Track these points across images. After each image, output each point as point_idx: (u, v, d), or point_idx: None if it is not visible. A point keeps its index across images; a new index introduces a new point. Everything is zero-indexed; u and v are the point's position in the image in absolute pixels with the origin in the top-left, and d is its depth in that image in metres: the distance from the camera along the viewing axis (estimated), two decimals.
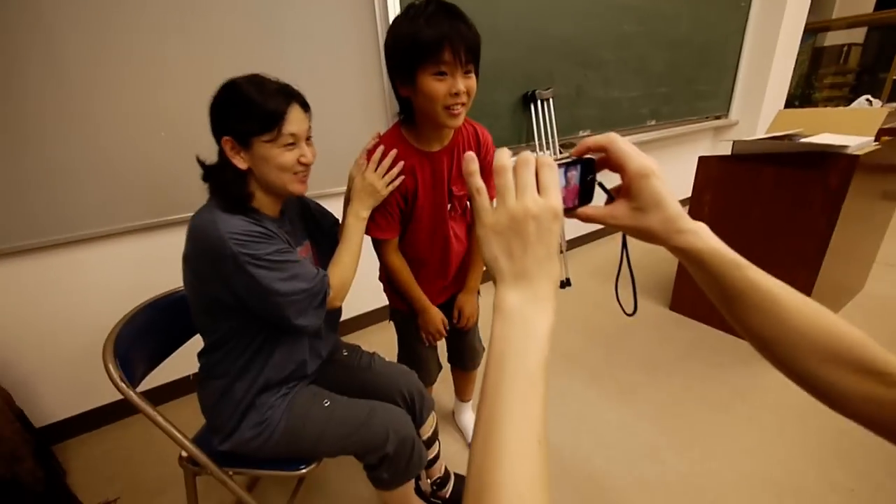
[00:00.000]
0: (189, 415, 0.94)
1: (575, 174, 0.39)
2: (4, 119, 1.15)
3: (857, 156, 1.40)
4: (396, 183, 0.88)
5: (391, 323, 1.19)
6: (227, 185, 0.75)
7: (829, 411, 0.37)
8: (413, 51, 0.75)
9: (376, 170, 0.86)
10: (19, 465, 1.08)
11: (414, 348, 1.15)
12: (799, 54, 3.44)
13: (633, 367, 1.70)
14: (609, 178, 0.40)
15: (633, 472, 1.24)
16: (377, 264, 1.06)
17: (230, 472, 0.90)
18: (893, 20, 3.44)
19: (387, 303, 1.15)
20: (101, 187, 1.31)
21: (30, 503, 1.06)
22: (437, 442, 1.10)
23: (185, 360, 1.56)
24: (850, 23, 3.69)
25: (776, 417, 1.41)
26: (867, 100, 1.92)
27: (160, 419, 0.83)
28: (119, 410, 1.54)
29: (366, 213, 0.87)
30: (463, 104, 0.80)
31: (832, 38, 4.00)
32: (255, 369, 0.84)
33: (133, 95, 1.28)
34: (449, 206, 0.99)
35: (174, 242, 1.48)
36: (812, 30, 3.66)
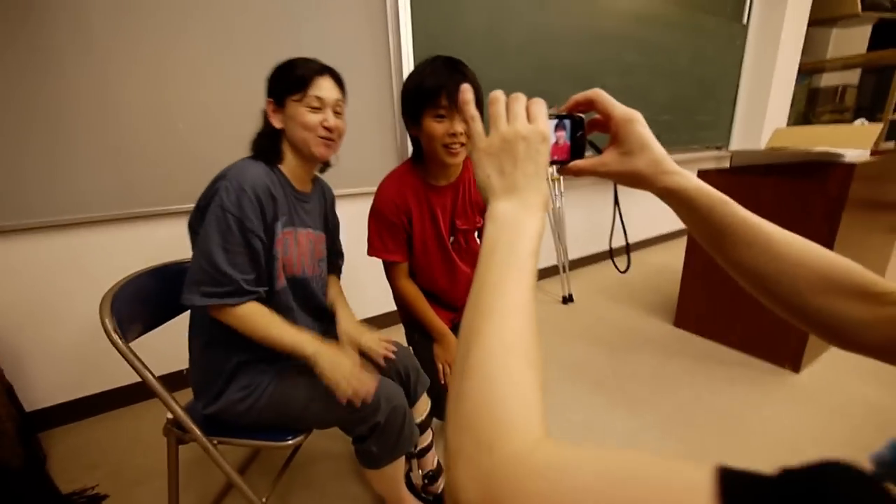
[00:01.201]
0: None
1: (564, 133, 0.43)
2: (35, 98, 1.22)
3: (855, 164, 1.42)
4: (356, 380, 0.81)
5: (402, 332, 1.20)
6: (260, 139, 0.83)
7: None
8: (418, 96, 0.89)
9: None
10: (1, 437, 1.05)
11: (431, 377, 1.06)
12: (795, 93, 3.57)
13: (639, 378, 1.64)
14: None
15: None
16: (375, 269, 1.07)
17: (215, 441, 0.87)
18: (886, 61, 3.58)
19: (386, 309, 1.16)
20: (113, 172, 1.35)
21: (4, 478, 1.02)
22: (430, 430, 1.06)
23: (176, 356, 1.57)
24: (845, 64, 3.85)
25: (789, 431, 1.34)
26: (862, 122, 1.97)
27: (149, 376, 0.81)
28: (107, 401, 1.51)
29: (311, 359, 0.79)
30: (462, 144, 0.91)
31: (827, 80, 4.15)
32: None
33: (158, 87, 1.36)
34: (452, 238, 1.07)
35: (182, 233, 1.51)
36: (807, 70, 3.81)
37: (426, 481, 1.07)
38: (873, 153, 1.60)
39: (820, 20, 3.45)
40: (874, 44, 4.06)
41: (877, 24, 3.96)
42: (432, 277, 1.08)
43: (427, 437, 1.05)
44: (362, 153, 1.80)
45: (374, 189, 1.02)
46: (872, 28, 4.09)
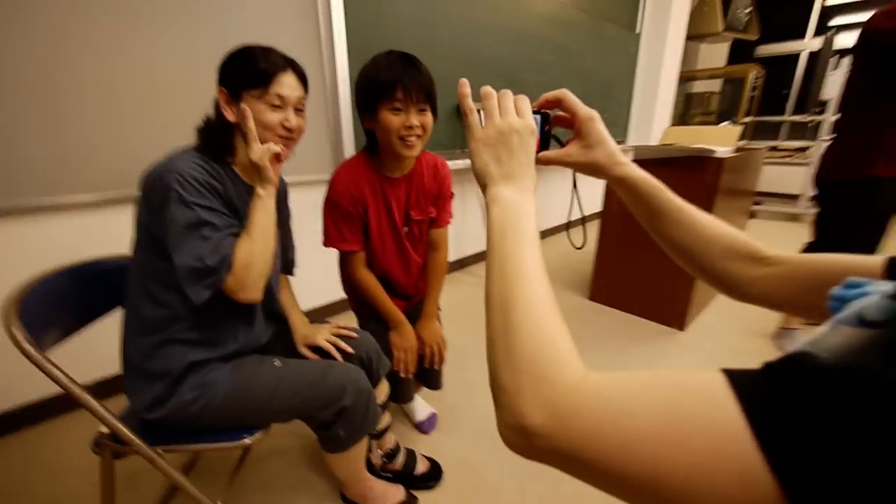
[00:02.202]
0: (90, 425, 0.78)
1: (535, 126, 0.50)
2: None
3: (723, 159, 1.75)
4: (269, 150, 0.77)
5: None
6: (210, 132, 0.77)
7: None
8: (373, 89, 0.90)
9: (249, 144, 0.77)
10: None
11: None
12: (676, 97, 4.18)
13: None
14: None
15: None
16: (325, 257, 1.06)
17: (159, 451, 0.81)
18: (739, 74, 4.37)
19: (335, 298, 1.15)
20: (49, 150, 1.13)
21: None
22: (387, 412, 1.10)
23: (89, 366, 1.37)
24: (711, 74, 4.60)
25: None
26: (730, 122, 2.41)
27: (76, 389, 0.72)
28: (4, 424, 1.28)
29: (262, 191, 0.77)
30: (418, 136, 0.93)
31: (697, 87, 4.93)
32: (198, 327, 0.79)
33: (54, 57, 1.15)
34: (406, 228, 1.09)
35: (80, 226, 1.31)
36: (684, 78, 4.48)
37: (385, 460, 1.11)
38: (735, 150, 1.98)
39: (692, 35, 4.06)
40: (732, 58, 4.92)
41: (733, 42, 4.80)
42: (388, 267, 1.10)
43: (386, 419, 1.09)
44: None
45: (308, 178, 1.00)
46: (730, 45, 4.95)
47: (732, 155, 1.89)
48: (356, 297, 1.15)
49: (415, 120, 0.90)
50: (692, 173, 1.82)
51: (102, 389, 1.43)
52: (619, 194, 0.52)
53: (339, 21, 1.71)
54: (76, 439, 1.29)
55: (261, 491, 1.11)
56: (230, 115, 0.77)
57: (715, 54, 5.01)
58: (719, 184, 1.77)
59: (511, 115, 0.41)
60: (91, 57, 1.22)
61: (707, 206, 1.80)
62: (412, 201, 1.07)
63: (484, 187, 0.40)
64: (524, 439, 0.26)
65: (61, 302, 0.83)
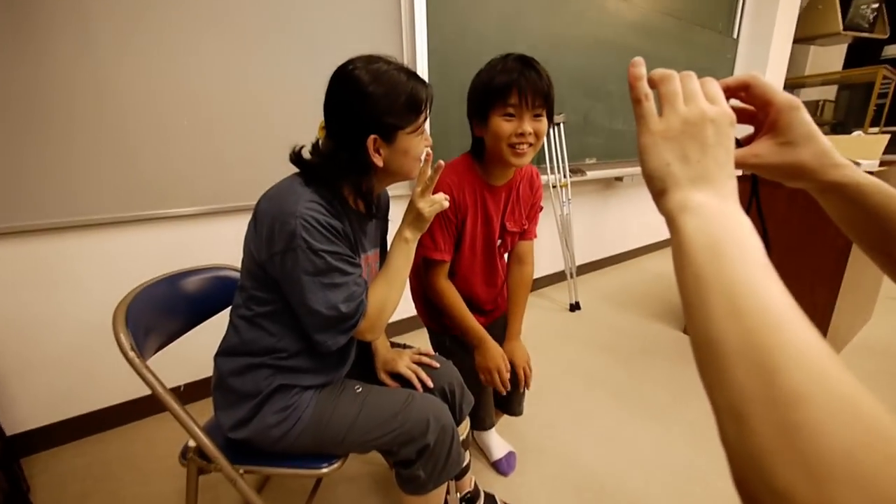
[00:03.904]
0: (178, 428, 0.76)
1: None
2: (30, 90, 1.10)
3: (872, 173, 1.44)
4: (441, 206, 0.79)
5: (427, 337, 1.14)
6: (355, 181, 0.72)
7: None
8: (486, 94, 0.84)
9: (423, 192, 0.76)
10: None
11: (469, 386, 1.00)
12: None
13: (658, 388, 1.62)
14: None
15: (675, 493, 1.13)
16: None
17: (241, 471, 0.78)
18: (860, 78, 3.77)
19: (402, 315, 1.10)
20: (110, 171, 1.24)
21: None
22: (468, 451, 0.99)
23: (178, 369, 1.45)
24: (824, 80, 4.03)
25: None
26: (859, 134, 2.04)
27: (170, 399, 0.72)
28: (99, 422, 1.38)
29: (411, 236, 0.78)
30: (530, 144, 0.85)
31: (807, 94, 4.33)
32: (297, 357, 0.76)
33: (160, 82, 1.26)
34: (500, 241, 1.03)
35: (181, 237, 1.40)
36: (790, 85, 3.96)
37: None
38: (881, 163, 1.64)
39: (801, 38, 3.60)
40: (848, 62, 4.28)
41: (851, 44, 4.18)
42: (471, 280, 1.03)
43: (466, 457, 0.98)
44: None
45: None
46: (847, 47, 4.32)
47: (878, 169, 1.57)
48: (432, 311, 1.07)
49: (528, 126, 0.83)
50: None
51: (192, 391, 1.50)
52: (829, 207, 0.38)
53: (421, 40, 1.71)
54: (165, 441, 1.34)
55: None
56: (379, 161, 0.71)
57: (827, 58, 4.39)
58: None
59: (700, 100, 0.31)
60: (198, 79, 1.32)
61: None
62: (509, 212, 1.00)
63: (661, 194, 0.30)
64: None
65: (163, 309, 0.85)
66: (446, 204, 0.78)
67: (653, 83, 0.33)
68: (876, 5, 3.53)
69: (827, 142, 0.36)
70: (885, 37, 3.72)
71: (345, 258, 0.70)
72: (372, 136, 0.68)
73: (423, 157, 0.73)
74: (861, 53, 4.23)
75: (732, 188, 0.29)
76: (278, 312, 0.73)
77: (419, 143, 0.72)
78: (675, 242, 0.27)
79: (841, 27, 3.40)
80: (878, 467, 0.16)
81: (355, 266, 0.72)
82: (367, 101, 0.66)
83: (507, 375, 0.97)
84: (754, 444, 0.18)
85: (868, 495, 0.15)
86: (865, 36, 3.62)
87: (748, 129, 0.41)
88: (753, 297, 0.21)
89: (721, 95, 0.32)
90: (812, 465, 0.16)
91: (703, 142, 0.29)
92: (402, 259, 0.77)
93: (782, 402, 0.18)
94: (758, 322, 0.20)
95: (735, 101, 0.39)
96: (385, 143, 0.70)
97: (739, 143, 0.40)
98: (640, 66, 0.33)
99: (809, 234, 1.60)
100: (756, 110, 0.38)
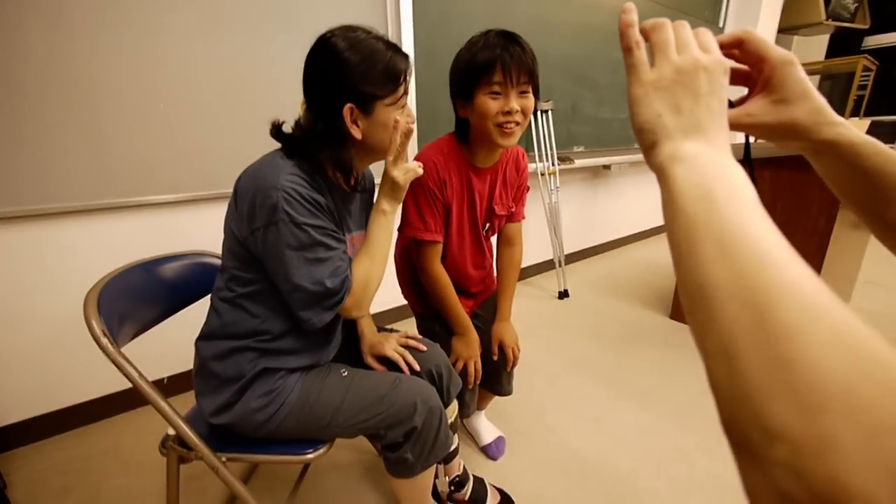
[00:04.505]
0: (160, 420, 0.72)
1: None
2: (2, 77, 1.05)
3: None
4: (415, 172, 0.77)
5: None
6: (309, 143, 0.69)
7: None
8: (470, 72, 0.81)
9: (395, 160, 0.73)
10: None
11: None
12: None
13: (645, 371, 1.64)
14: None
15: (662, 473, 1.15)
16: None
17: (223, 458, 0.76)
18: (841, 68, 3.83)
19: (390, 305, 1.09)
20: (85, 157, 1.19)
21: None
22: (457, 434, 0.99)
23: (161, 361, 1.42)
24: (808, 70, 4.08)
25: None
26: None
27: (147, 388, 0.69)
28: (81, 416, 1.34)
29: (388, 207, 0.76)
30: (517, 123, 0.83)
31: None
32: (280, 339, 0.74)
33: (135, 65, 1.21)
34: (488, 224, 1.01)
35: (160, 225, 1.36)
36: None
37: (452, 488, 1.00)
38: None
39: (785, 28, 3.63)
40: (831, 52, 4.34)
41: (833, 34, 4.24)
42: (461, 263, 1.02)
43: (454, 441, 0.98)
44: None
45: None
46: (830, 37, 4.38)
47: None
48: (420, 294, 1.06)
49: (515, 104, 0.80)
50: (806, 175, 1.55)
51: (176, 384, 1.47)
52: (822, 168, 0.38)
53: (407, 24, 1.68)
54: (150, 433, 1.32)
55: None
56: (357, 133, 0.69)
57: (810, 48, 4.46)
58: None
59: (693, 48, 0.29)
60: (175, 62, 1.27)
61: (831, 213, 1.52)
62: (496, 195, 0.98)
63: (651, 146, 0.28)
64: None
65: (139, 296, 0.82)
66: (420, 171, 0.75)
67: (645, 32, 0.31)
68: None
69: (822, 99, 0.35)
70: (866, 27, 3.78)
71: (329, 232, 0.68)
72: (348, 106, 0.66)
73: (396, 127, 0.70)
74: (843, 44, 4.29)
75: (725, 138, 0.28)
76: (261, 293, 0.72)
77: (400, 118, 0.70)
78: (666, 194, 0.26)
79: (823, 17, 3.44)
80: (876, 396, 0.15)
81: (339, 241, 0.70)
82: (342, 69, 0.65)
83: (480, 367, 0.99)
84: (744, 383, 0.18)
85: (865, 425, 0.14)
86: (847, 26, 3.67)
87: (742, 92, 0.40)
88: (745, 239, 0.21)
89: (715, 44, 0.30)
90: (805, 398, 0.15)
91: (696, 91, 0.28)
92: (382, 231, 0.75)
93: (774, 337, 0.17)
94: (750, 263, 0.20)
95: (729, 62, 0.38)
96: (363, 115, 0.68)
97: (731, 105, 0.39)
98: (632, 13, 0.32)
99: (791, 218, 1.62)
100: (750, 69, 0.37)
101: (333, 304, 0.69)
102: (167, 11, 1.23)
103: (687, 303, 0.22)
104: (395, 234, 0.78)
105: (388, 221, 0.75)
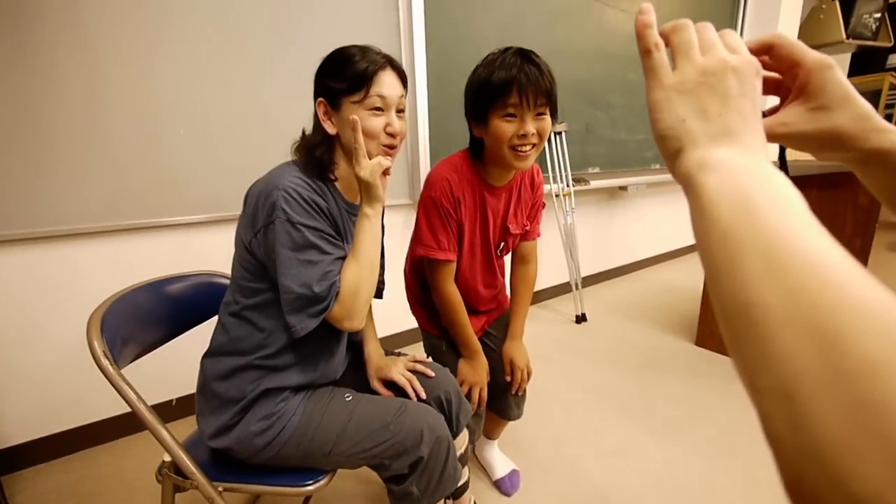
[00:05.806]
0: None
1: None
2: (21, 95, 1.10)
3: None
4: (380, 165, 0.70)
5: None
6: (310, 148, 0.72)
7: None
8: (484, 93, 0.79)
9: (357, 160, 0.70)
10: None
11: None
12: None
13: (670, 402, 1.54)
14: None
15: None
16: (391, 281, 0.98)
17: (220, 488, 0.73)
18: (864, 87, 3.74)
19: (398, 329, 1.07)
20: (100, 180, 1.22)
21: None
22: (467, 467, 0.93)
23: (170, 382, 1.41)
24: None
25: None
26: None
27: (145, 411, 0.67)
28: (88, 438, 1.33)
29: (370, 211, 0.71)
30: (533, 145, 0.80)
31: None
32: (281, 354, 0.72)
33: (156, 88, 1.26)
34: (502, 244, 0.99)
35: (177, 247, 1.38)
36: None
37: None
38: None
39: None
40: (852, 72, 4.26)
41: (855, 53, 4.17)
42: (472, 282, 0.99)
43: (464, 474, 0.92)
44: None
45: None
46: (851, 56, 4.30)
47: None
48: (430, 313, 1.03)
49: (531, 127, 0.78)
50: (838, 193, 1.47)
51: (188, 405, 1.45)
52: (870, 180, 0.33)
53: (420, 47, 1.72)
54: (157, 456, 1.28)
55: None
56: (330, 128, 0.71)
57: None
58: (880, 207, 1.40)
59: (719, 48, 0.27)
60: (193, 85, 1.32)
61: (866, 234, 1.44)
62: (510, 213, 0.96)
63: (675, 154, 0.25)
64: None
65: (145, 317, 0.82)
66: (386, 163, 0.69)
67: (664, 35, 0.29)
68: (878, 14, 3.52)
69: (867, 104, 0.31)
70: (890, 44, 3.70)
71: (324, 236, 0.67)
72: (320, 100, 0.71)
73: (355, 127, 0.66)
74: (866, 62, 4.21)
75: (762, 144, 0.24)
76: (268, 304, 0.71)
77: (366, 118, 0.68)
78: (695, 205, 0.22)
79: (844, 36, 3.38)
80: None
81: (335, 246, 0.69)
82: (319, 69, 0.72)
83: (486, 394, 0.95)
84: (817, 433, 0.14)
85: None
86: (869, 44, 3.60)
87: (772, 102, 0.37)
88: (797, 250, 0.17)
89: (743, 45, 0.27)
90: (884, 431, 0.12)
91: (725, 93, 0.25)
92: (368, 236, 0.71)
93: (852, 372, 0.13)
94: (807, 277, 0.16)
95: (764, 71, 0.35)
96: (333, 110, 0.71)
97: (763, 115, 0.36)
98: (650, 14, 0.29)
99: None
100: (782, 77, 0.33)
101: (319, 311, 0.66)
102: (190, 40, 1.29)
103: (728, 330, 0.18)
104: (381, 238, 0.76)
105: (372, 226, 0.71)
